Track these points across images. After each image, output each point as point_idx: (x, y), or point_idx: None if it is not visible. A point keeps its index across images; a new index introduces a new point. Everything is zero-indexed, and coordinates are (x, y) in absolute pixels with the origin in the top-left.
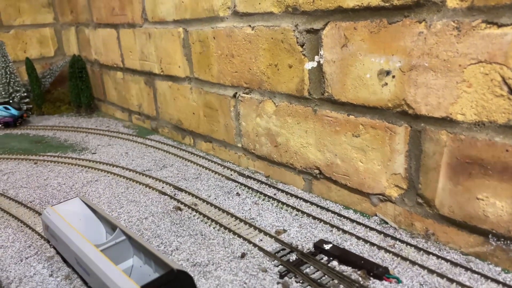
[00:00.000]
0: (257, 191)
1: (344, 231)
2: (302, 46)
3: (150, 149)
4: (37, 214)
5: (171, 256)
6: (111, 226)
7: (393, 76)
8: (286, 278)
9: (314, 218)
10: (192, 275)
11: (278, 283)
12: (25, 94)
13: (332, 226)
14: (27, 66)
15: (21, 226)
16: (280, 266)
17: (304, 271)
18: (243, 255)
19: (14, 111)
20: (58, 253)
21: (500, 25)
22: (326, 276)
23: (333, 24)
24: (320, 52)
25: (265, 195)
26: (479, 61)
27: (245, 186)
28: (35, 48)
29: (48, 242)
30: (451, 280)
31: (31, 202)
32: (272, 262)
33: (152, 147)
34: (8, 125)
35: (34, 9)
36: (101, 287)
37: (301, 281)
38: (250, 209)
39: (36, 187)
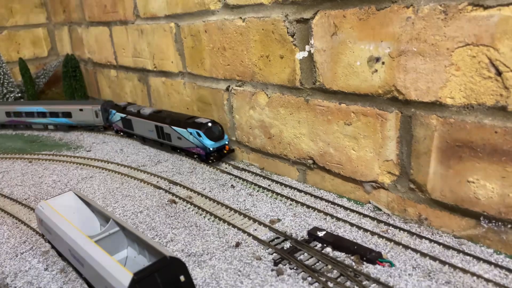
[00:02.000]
0: (252, 183)
1: (338, 219)
2: (292, 36)
3: (145, 146)
4: (32, 211)
5: (166, 247)
6: (105, 219)
7: (383, 63)
8: (280, 265)
9: (308, 207)
10: (187, 265)
11: (272, 270)
12: (19, 94)
13: (326, 214)
14: (20, 67)
15: (16, 223)
16: (275, 254)
17: (298, 258)
18: (237, 244)
19: (207, 141)
20: (53, 247)
21: (486, 7)
22: (320, 262)
23: (322, 13)
24: (310, 42)
25: (259, 186)
26: (466, 44)
27: (240, 178)
28: (28, 48)
29: (43, 236)
30: (443, 263)
31: (26, 199)
32: (267, 250)
33: (147, 143)
34: (201, 158)
35: (27, 9)
36: (95, 277)
37: (295, 268)
38: (244, 200)
39: (31, 185)
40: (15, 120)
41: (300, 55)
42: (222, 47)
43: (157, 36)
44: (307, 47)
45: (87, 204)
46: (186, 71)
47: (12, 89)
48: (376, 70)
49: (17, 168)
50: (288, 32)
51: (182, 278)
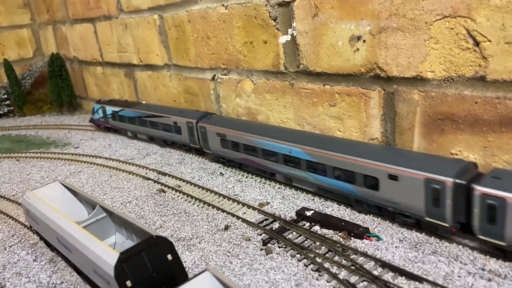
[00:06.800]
0: (241, 170)
1: (326, 199)
2: (275, 20)
3: (133, 140)
4: (20, 206)
5: None
6: (92, 207)
7: (364, 41)
8: (269, 245)
9: (297, 189)
10: (176, 249)
11: (261, 249)
12: (5, 96)
13: (314, 195)
14: (5, 68)
15: (4, 218)
16: (263, 234)
17: (287, 237)
18: (226, 227)
19: None
20: (41, 238)
21: None
22: (308, 240)
23: None
24: (292, 25)
25: (248, 172)
26: (444, 16)
27: (229, 166)
28: (13, 50)
29: (30, 228)
30: (430, 234)
31: (13, 195)
32: (256, 232)
33: (135, 137)
34: None
35: (10, 10)
36: (83, 261)
37: (284, 246)
38: (233, 186)
39: (19, 182)
40: None
41: (283, 39)
42: (206, 36)
43: (141, 29)
44: (289, 31)
45: (74, 193)
46: (172, 63)
47: None
48: (358, 49)
49: (4, 166)
50: (270, 17)
51: (169, 257)
